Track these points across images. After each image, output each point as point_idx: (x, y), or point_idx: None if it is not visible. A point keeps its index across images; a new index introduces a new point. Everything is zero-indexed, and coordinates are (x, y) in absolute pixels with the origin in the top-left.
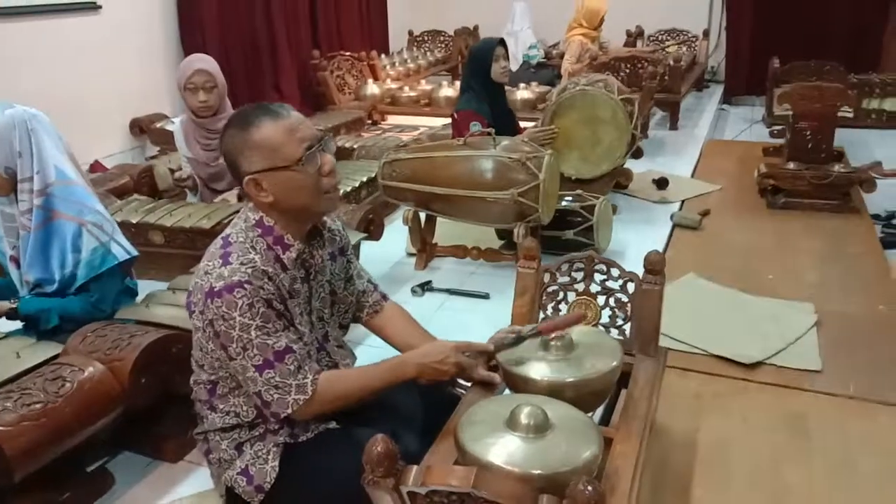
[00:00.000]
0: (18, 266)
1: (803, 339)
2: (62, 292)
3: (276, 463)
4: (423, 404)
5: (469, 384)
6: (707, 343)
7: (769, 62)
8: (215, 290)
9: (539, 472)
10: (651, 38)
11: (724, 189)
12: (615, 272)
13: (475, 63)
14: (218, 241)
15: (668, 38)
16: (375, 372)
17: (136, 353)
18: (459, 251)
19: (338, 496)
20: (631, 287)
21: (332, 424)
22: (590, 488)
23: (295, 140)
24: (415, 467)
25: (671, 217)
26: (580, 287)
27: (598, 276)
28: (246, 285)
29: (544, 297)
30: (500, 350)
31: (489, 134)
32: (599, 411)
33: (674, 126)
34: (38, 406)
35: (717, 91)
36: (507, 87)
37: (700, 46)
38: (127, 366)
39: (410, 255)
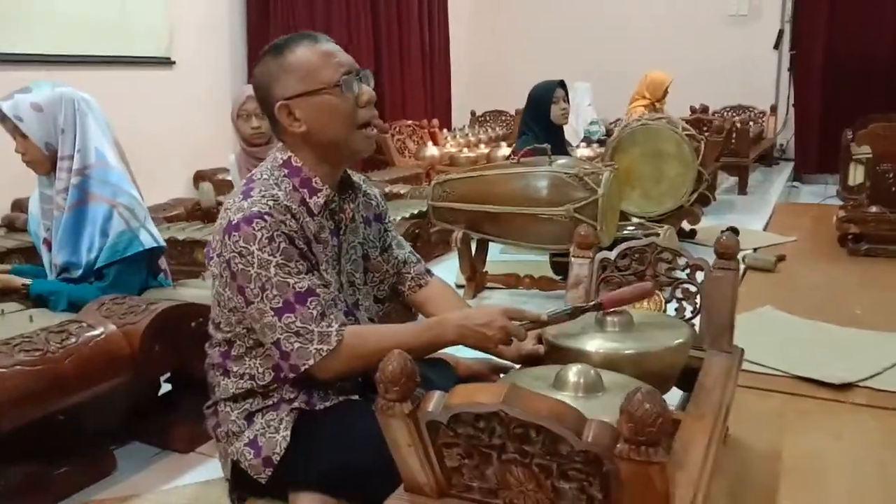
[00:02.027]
0: (50, 249)
1: None
2: (86, 278)
3: (288, 433)
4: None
5: (516, 366)
6: (790, 366)
7: (842, 135)
8: (233, 223)
9: None
10: (716, 114)
11: (799, 241)
12: (682, 261)
13: (534, 105)
14: (242, 181)
15: (735, 114)
16: (410, 330)
17: (150, 316)
18: (511, 279)
19: (356, 467)
20: (700, 276)
21: (355, 397)
22: (648, 403)
23: (332, 64)
24: (437, 392)
25: (743, 259)
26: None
27: (661, 267)
28: (266, 216)
29: (601, 290)
30: (553, 322)
31: (545, 152)
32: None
33: (742, 191)
34: (36, 353)
35: (787, 168)
36: (568, 146)
37: (768, 122)
38: (140, 329)
39: (460, 286)
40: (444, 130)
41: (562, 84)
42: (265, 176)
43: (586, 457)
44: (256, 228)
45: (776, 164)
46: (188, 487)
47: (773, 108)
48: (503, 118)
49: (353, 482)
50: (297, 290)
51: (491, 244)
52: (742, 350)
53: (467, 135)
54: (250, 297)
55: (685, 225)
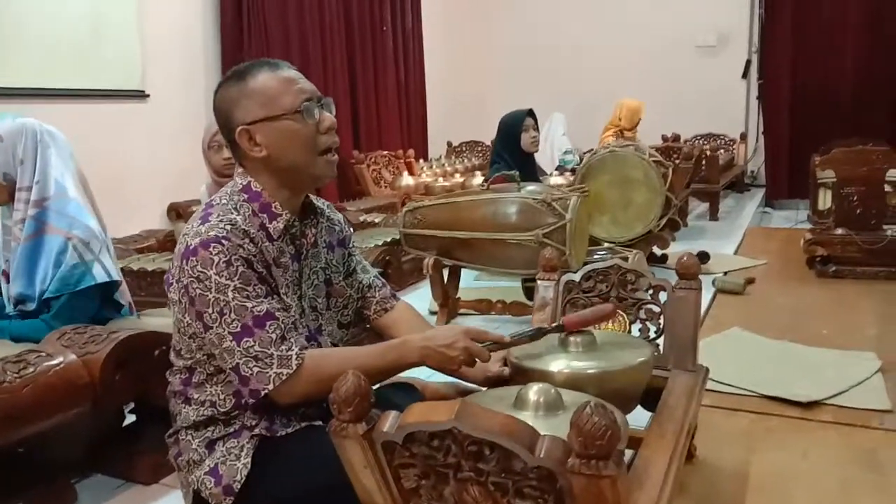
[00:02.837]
0: (9, 280)
1: (868, 381)
2: (40, 311)
3: (249, 460)
4: None
5: (483, 388)
6: (757, 385)
7: (810, 161)
8: (190, 247)
9: None
10: (687, 142)
11: (769, 264)
12: (644, 282)
13: (505, 133)
14: (201, 207)
15: (706, 142)
16: (372, 351)
17: (111, 345)
18: (483, 305)
19: (316, 491)
20: (663, 296)
21: (317, 423)
22: (597, 416)
23: (293, 91)
24: (392, 412)
25: (713, 283)
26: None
27: (626, 288)
28: (224, 241)
29: (566, 312)
30: (516, 343)
31: (513, 179)
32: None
33: (714, 217)
34: None
35: (759, 194)
36: (541, 175)
37: (738, 149)
38: (100, 357)
39: (433, 313)
40: (420, 161)
41: (531, 113)
42: (224, 201)
43: (540, 473)
44: (214, 252)
45: (748, 191)
46: None
47: (743, 136)
48: (479, 148)
49: None
50: (256, 313)
51: (463, 271)
52: (707, 369)
53: (443, 165)
54: (209, 323)
55: (656, 250)
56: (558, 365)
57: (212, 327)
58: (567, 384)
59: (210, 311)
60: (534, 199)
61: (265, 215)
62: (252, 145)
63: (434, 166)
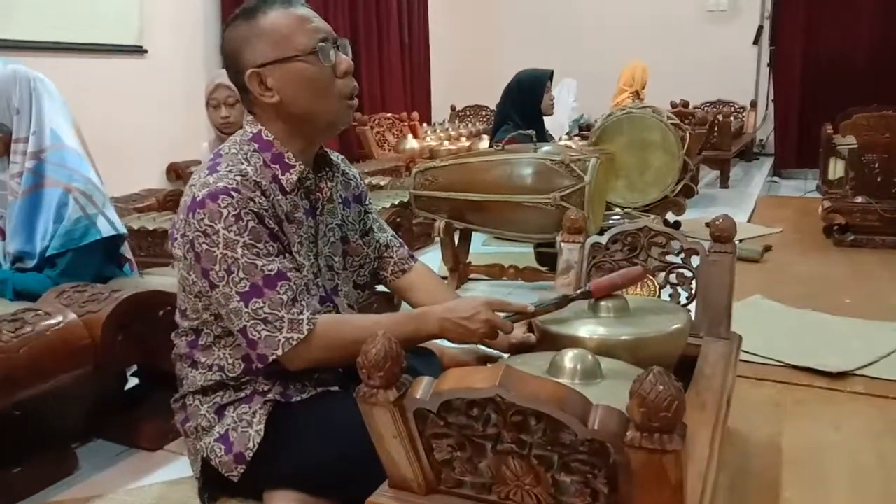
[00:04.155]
0: (4, 237)
1: None
2: (40, 268)
3: (262, 427)
4: None
5: (504, 355)
6: (784, 355)
7: (821, 130)
8: (197, 199)
9: None
10: (697, 109)
11: (784, 232)
12: (676, 245)
13: (524, 92)
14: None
15: (715, 109)
16: (390, 320)
17: (114, 304)
18: (495, 270)
19: (335, 462)
20: (695, 261)
21: (335, 388)
22: (662, 385)
23: (308, 30)
24: (426, 377)
25: None
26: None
27: (655, 251)
28: (233, 192)
29: (591, 276)
30: (540, 313)
31: (530, 139)
32: None
33: (724, 184)
34: None
35: (767, 163)
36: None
37: (748, 117)
38: (102, 317)
39: (443, 278)
40: (424, 124)
41: (551, 75)
42: (233, 150)
43: (591, 446)
44: (223, 205)
45: (756, 160)
46: (154, 487)
47: (753, 104)
48: (483, 113)
49: (333, 478)
50: (266, 272)
51: (474, 234)
52: (740, 337)
53: (447, 129)
54: (215, 281)
55: (669, 216)
56: (589, 330)
57: (218, 286)
58: (598, 351)
59: (217, 268)
60: (551, 160)
61: (277, 166)
62: (263, 90)
63: (438, 130)
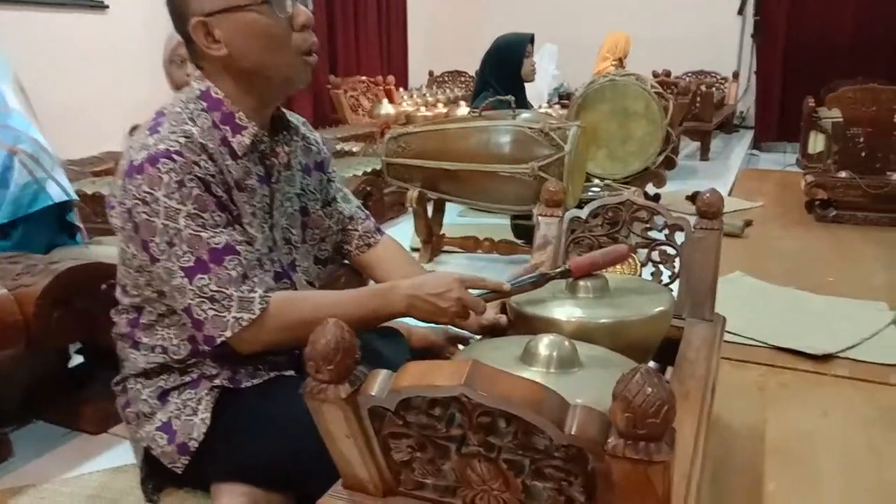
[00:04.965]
0: None
1: (883, 333)
2: None
3: (208, 415)
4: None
5: (476, 336)
6: (767, 336)
7: (803, 103)
8: (135, 164)
9: None
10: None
11: (765, 206)
12: (659, 220)
13: (503, 57)
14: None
15: (697, 79)
16: (351, 297)
17: (49, 278)
18: (469, 243)
19: (287, 455)
20: (680, 237)
21: (289, 373)
22: (650, 387)
23: None
24: (382, 372)
25: None
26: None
27: (637, 227)
28: (175, 156)
29: (570, 252)
30: (517, 292)
31: (508, 105)
32: None
33: (705, 157)
34: None
35: (747, 136)
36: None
37: (729, 88)
38: (36, 292)
39: (415, 249)
40: (401, 89)
41: (531, 39)
42: (178, 109)
43: (568, 452)
44: (163, 170)
45: (736, 132)
46: (95, 475)
47: (736, 75)
48: (462, 79)
49: (286, 472)
50: (213, 245)
51: (449, 205)
52: (724, 319)
53: (425, 95)
54: (156, 254)
55: (650, 188)
56: (566, 312)
57: (159, 260)
58: (576, 335)
59: (157, 240)
60: (530, 128)
61: (227, 127)
62: (210, 41)
63: (415, 96)
